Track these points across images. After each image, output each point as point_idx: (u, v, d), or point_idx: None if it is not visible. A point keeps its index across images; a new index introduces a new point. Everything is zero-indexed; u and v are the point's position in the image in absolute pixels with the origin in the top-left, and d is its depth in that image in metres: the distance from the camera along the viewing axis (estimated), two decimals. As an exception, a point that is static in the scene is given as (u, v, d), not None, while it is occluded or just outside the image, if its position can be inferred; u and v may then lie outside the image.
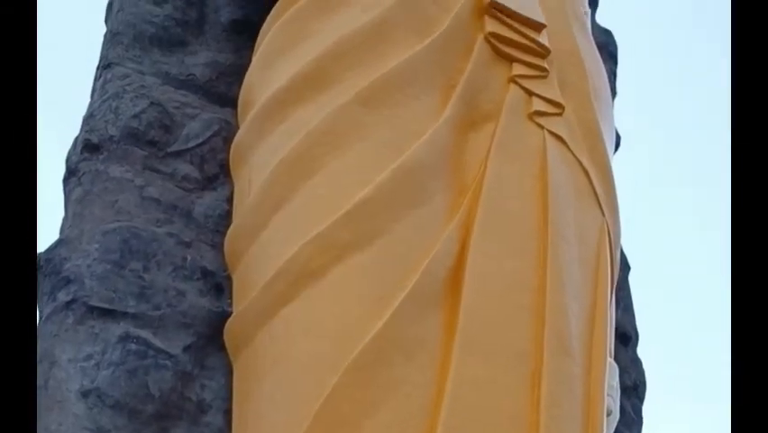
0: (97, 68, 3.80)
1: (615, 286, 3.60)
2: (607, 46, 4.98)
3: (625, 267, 4.48)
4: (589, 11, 4.40)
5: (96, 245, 3.20)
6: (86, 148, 3.46)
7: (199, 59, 3.84)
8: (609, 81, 4.07)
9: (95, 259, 3.17)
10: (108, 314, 3.13)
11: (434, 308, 3.04)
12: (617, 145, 4.43)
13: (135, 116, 3.56)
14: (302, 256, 3.04)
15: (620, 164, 4.08)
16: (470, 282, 3.08)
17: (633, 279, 4.72)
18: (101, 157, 3.45)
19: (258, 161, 3.37)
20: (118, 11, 3.85)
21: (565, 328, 3.14)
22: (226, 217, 3.48)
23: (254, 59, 3.66)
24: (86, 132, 3.50)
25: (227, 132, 3.66)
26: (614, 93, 4.80)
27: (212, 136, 3.66)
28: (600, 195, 3.55)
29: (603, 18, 5.27)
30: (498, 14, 3.62)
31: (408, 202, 3.15)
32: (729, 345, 3.03)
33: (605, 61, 4.15)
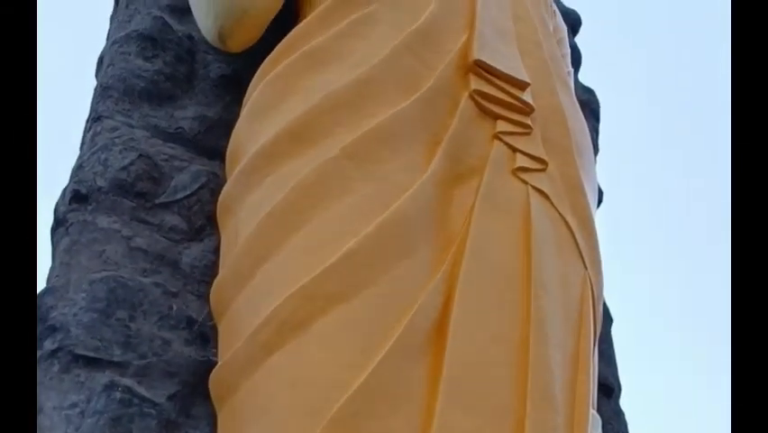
0: (87, 120, 3.83)
1: (597, 338, 3.62)
2: (589, 104, 5.08)
3: (607, 319, 4.50)
4: (572, 70, 4.50)
5: (83, 294, 3.20)
6: (75, 198, 3.48)
7: (188, 113, 3.88)
8: (592, 138, 4.14)
9: (81, 308, 3.17)
10: (94, 362, 3.12)
11: (419, 359, 3.04)
12: (600, 200, 4.48)
13: (124, 168, 3.58)
14: (287, 307, 3.05)
15: (603, 218, 4.14)
16: (455, 334, 3.09)
17: (615, 331, 4.75)
18: (89, 208, 3.46)
19: (245, 214, 3.39)
20: (108, 65, 3.89)
21: (548, 380, 3.15)
22: (213, 268, 3.49)
23: (242, 113, 3.70)
24: (75, 183, 3.52)
25: (215, 184, 3.70)
26: (596, 149, 4.88)
27: (199, 188, 3.69)
28: (583, 248, 3.59)
29: (585, 77, 5.38)
30: (483, 73, 3.70)
31: (394, 254, 3.17)
32: (712, 398, 3.05)
33: (587, 119, 4.23)
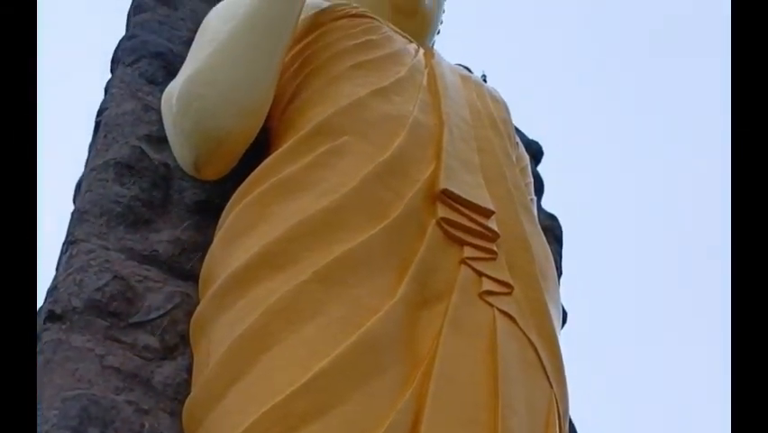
0: (63, 243, 3.88)
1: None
2: (552, 229, 5.23)
3: (573, 435, 4.54)
4: (535, 198, 4.66)
5: (55, 411, 3.19)
6: (49, 318, 3.50)
7: (163, 237, 3.96)
8: (555, 262, 4.27)
9: (53, 425, 3.15)
10: (65, 480, 3.10)
11: (389, 477, 3.06)
12: (564, 321, 4.58)
13: (98, 289, 3.62)
14: (259, 426, 3.07)
15: (567, 338, 4.23)
16: (425, 452, 3.12)
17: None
18: (63, 327, 3.48)
19: (217, 335, 3.44)
20: (86, 191, 3.98)
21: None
22: (185, 386, 3.50)
23: (216, 237, 3.79)
24: (50, 303, 3.55)
25: (188, 304, 3.74)
26: (560, 272, 5.00)
27: (173, 308, 3.73)
28: (548, 368, 3.66)
29: (548, 203, 5.55)
30: (450, 201, 3.83)
31: (365, 373, 3.22)
32: None
33: (551, 243, 4.36)
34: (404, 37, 4.81)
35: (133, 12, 4.98)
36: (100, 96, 4.63)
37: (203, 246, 3.88)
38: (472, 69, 5.56)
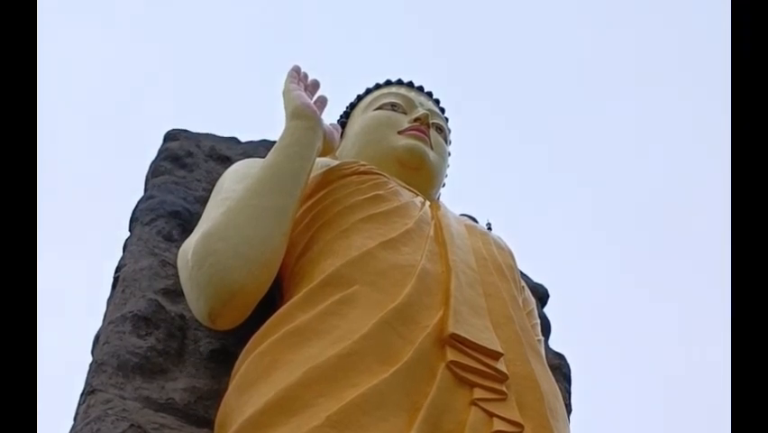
0: (81, 394, 3.97)
1: None
2: (560, 368, 5.27)
3: None
4: (542, 339, 4.74)
5: None
6: (69, 467, 3.57)
7: (179, 385, 4.03)
8: (565, 400, 4.31)
9: None
10: None
11: None
12: (575, 456, 4.57)
13: (115, 437, 3.69)
14: None
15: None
16: None
17: None
18: (82, 476, 3.54)
19: (232, 480, 3.47)
20: (104, 343, 4.09)
21: None
22: None
23: (231, 385, 3.85)
24: (69, 452, 3.62)
25: (203, 451, 3.78)
26: (569, 409, 5.01)
27: (189, 455, 3.77)
28: (561, 505, 3.67)
29: (556, 343, 5.61)
30: (459, 345, 3.91)
31: None
32: None
33: (559, 382, 4.42)
34: (410, 191, 5.00)
35: (152, 175, 5.22)
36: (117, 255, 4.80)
37: (218, 394, 3.94)
38: (477, 218, 5.74)
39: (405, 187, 5.01)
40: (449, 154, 5.78)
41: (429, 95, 5.96)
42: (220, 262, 4.05)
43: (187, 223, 4.81)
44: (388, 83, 5.94)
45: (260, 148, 5.64)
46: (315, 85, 5.14)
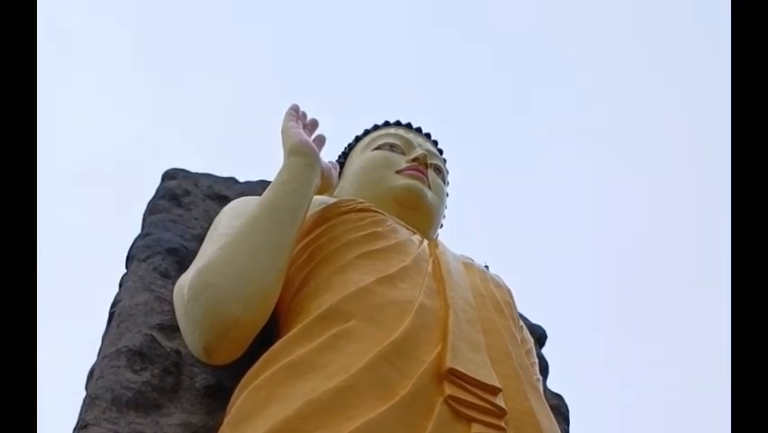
0: (74, 429, 3.92)
1: None
2: (559, 408, 5.23)
3: None
4: (540, 378, 4.70)
5: None
6: (59, 500, 3.51)
7: (173, 420, 3.99)
8: (563, 437, 4.27)
9: None
10: None
11: None
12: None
13: (108, 467, 3.64)
14: None
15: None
16: None
17: None
18: None
19: None
20: (98, 378, 4.04)
21: None
22: None
23: (226, 419, 3.79)
24: (60, 485, 3.57)
25: (198, 483, 3.73)
26: (569, 448, 4.97)
27: (182, 487, 3.72)
28: None
29: (554, 384, 5.57)
30: (457, 380, 3.87)
31: None
32: None
33: (559, 423, 4.36)
34: (408, 229, 5.00)
35: (149, 212, 5.22)
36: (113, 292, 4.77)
37: (213, 429, 3.90)
38: (476, 258, 5.72)
39: (402, 225, 5.01)
40: (447, 195, 5.79)
41: (428, 136, 5.99)
42: (216, 296, 4.02)
43: (184, 260, 4.80)
44: (387, 124, 5.98)
45: (257, 188, 5.65)
46: (314, 124, 5.16)
